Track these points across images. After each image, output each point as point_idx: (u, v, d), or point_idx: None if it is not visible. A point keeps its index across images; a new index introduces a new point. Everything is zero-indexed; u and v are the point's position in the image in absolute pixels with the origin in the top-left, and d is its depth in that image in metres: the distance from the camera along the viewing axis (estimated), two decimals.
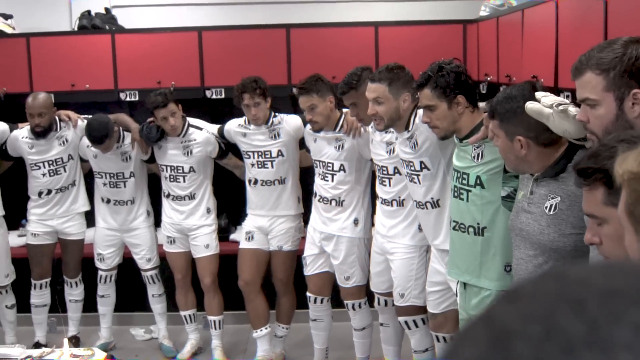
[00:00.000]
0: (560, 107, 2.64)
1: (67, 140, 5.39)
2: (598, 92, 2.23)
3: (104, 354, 4.22)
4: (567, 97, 3.59)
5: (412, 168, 3.99)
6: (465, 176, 3.45)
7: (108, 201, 5.44)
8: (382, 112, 3.93)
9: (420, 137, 3.90)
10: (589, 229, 1.98)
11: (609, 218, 1.86)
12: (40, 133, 5.27)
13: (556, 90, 3.72)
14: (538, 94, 2.78)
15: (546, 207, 2.85)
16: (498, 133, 2.98)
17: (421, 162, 3.94)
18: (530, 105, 2.73)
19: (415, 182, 4.00)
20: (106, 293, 5.63)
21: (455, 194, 3.53)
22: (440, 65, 3.50)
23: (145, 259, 5.52)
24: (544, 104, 2.70)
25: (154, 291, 5.59)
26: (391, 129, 4.10)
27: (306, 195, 5.22)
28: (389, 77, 3.92)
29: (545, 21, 4.01)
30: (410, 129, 3.96)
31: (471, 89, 3.50)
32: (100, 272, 5.58)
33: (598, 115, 2.25)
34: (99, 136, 5.07)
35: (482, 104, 3.46)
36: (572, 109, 2.62)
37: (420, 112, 3.81)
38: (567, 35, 3.73)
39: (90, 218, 5.62)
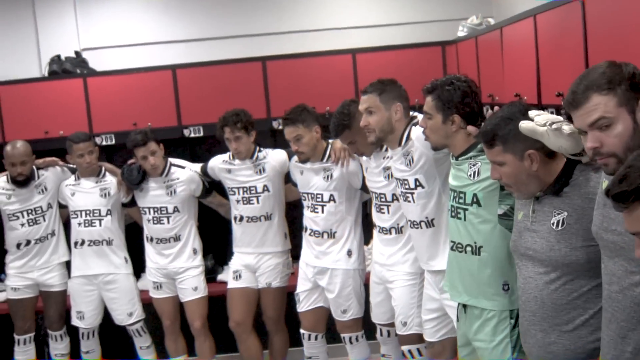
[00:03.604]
0: (554, 126, 2.64)
1: (46, 189, 5.28)
2: (612, 110, 2.25)
3: None
4: (552, 113, 3.54)
5: (407, 186, 3.92)
6: (462, 195, 3.40)
7: (82, 243, 5.25)
8: (374, 123, 3.92)
9: (415, 153, 3.84)
10: (637, 244, 2.07)
11: None
12: (23, 182, 5.17)
13: (540, 107, 3.67)
14: (531, 113, 2.76)
15: (553, 224, 2.81)
16: (504, 158, 2.89)
17: (416, 180, 3.87)
18: (523, 124, 2.72)
19: (409, 201, 3.93)
20: (90, 348, 5.43)
21: (453, 214, 3.48)
22: (452, 80, 3.47)
23: (126, 314, 5.32)
24: (537, 123, 2.69)
25: (142, 343, 5.42)
26: (387, 154, 4.06)
27: (292, 230, 5.12)
28: (380, 88, 3.95)
29: (524, 38, 3.98)
30: (402, 144, 3.91)
31: (473, 113, 3.42)
32: (80, 330, 5.38)
33: (617, 134, 2.26)
34: (83, 136, 5.11)
35: (472, 128, 3.37)
36: (566, 127, 2.62)
37: (415, 128, 3.83)
38: (547, 51, 3.70)
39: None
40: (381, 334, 4.57)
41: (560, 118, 2.73)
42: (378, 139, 3.98)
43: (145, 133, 5.01)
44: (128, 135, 5.08)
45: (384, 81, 4.00)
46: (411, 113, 4.01)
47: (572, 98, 2.32)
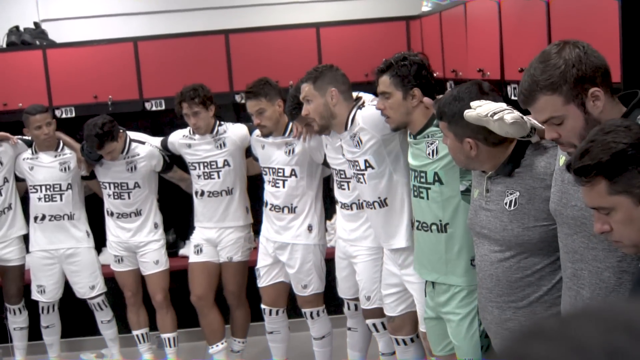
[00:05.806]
0: (496, 117, 2.65)
1: (1, 163, 5.17)
2: (560, 109, 2.25)
3: None
4: (514, 89, 3.55)
5: (357, 167, 3.91)
6: (422, 174, 3.41)
7: (43, 218, 5.19)
8: (312, 111, 3.94)
9: (364, 135, 3.82)
10: (597, 219, 2.07)
11: (617, 205, 1.99)
12: None
13: (503, 83, 3.67)
14: (473, 104, 2.76)
15: (506, 203, 2.84)
16: (447, 134, 2.96)
17: (365, 161, 3.85)
18: (468, 113, 2.74)
19: (361, 182, 3.93)
20: (50, 323, 5.39)
21: (415, 194, 3.48)
22: (405, 55, 3.47)
23: (88, 287, 5.28)
24: (479, 115, 2.69)
25: (103, 317, 5.38)
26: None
27: (254, 205, 5.10)
28: (314, 76, 3.96)
29: (488, 14, 3.96)
30: (348, 128, 3.89)
31: (430, 84, 3.44)
32: (41, 304, 5.34)
33: (570, 129, 2.27)
34: (39, 107, 5.06)
35: (427, 99, 3.38)
36: (508, 116, 2.62)
37: (360, 111, 3.84)
38: (510, 27, 3.69)
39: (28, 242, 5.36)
40: (348, 308, 4.59)
41: (503, 106, 2.73)
42: (321, 127, 3.99)
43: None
44: (89, 108, 5.01)
45: (319, 68, 4.02)
46: (357, 94, 4.01)
47: (522, 97, 2.32)
